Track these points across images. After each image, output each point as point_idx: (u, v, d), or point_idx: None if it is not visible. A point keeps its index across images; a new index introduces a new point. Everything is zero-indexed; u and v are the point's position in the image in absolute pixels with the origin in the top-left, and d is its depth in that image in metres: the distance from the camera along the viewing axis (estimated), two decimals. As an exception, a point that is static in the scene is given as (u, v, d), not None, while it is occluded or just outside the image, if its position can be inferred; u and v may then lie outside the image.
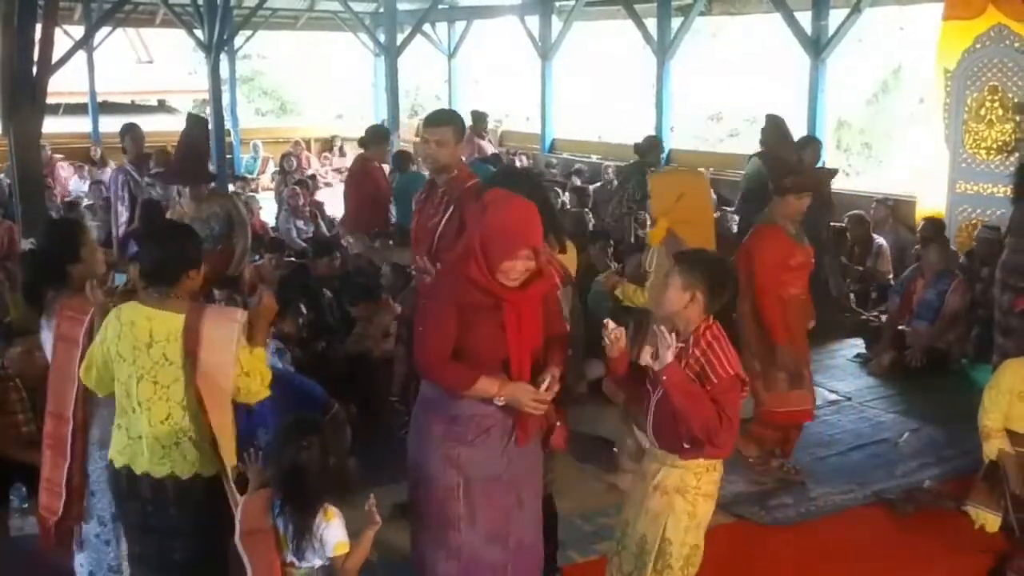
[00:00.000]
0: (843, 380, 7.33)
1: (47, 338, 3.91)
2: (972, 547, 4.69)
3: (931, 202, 9.61)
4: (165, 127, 16.36)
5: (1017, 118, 8.55)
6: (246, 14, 14.55)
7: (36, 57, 6.84)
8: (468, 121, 12.75)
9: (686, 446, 3.53)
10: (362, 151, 8.79)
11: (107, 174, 14.66)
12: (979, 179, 9.09)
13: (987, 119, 8.94)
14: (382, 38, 15.61)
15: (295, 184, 12.46)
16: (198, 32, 13.29)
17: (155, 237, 3.67)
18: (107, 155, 16.90)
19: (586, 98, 24.64)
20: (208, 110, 28.54)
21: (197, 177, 6.64)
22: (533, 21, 15.58)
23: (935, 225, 8.58)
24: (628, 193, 9.39)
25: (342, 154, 19.23)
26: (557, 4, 15.43)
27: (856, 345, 8.05)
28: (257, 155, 18.27)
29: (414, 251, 4.94)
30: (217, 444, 3.38)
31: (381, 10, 17.11)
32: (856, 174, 21.97)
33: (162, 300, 3.43)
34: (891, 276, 9.01)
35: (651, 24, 13.32)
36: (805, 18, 11.14)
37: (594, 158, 15.14)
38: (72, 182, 15.50)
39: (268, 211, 12.93)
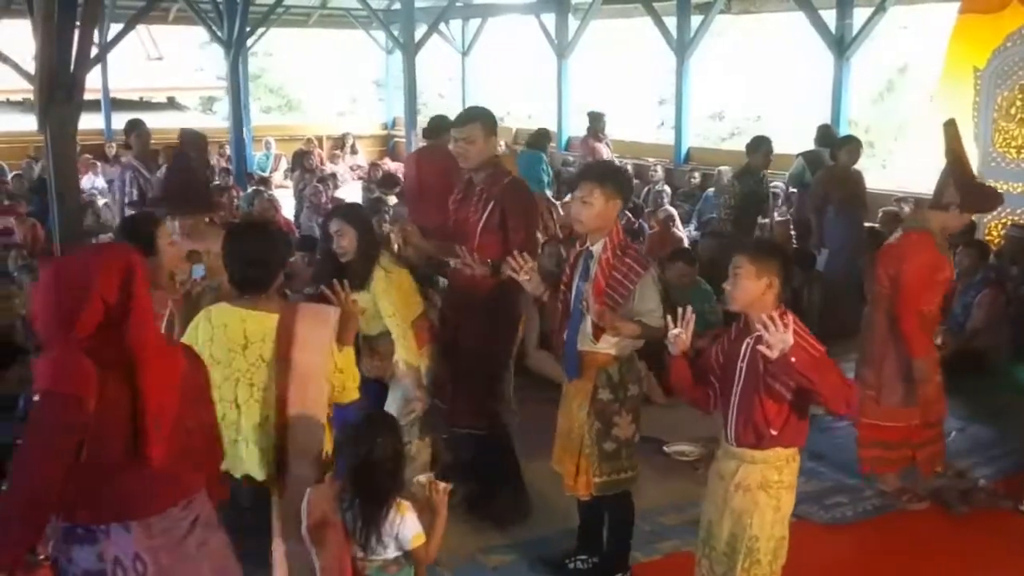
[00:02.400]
0: (880, 379, 7.29)
1: None
2: (1032, 547, 4.70)
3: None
4: (175, 124, 16.32)
5: (1049, 117, 8.53)
6: (264, 11, 14.49)
7: (74, 54, 6.77)
8: (585, 122, 12.69)
9: (773, 432, 3.51)
10: (426, 141, 8.68)
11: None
12: (1009, 178, 9.08)
13: (1018, 118, 8.93)
14: (398, 35, 15.57)
15: (317, 182, 12.38)
16: (217, 30, 13.21)
17: (243, 239, 3.57)
18: (122, 152, 16.83)
19: (595, 96, 24.69)
20: (217, 107, 29.08)
21: (192, 206, 5.32)
22: (549, 19, 15.55)
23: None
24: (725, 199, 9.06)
25: (354, 152, 19.18)
26: (573, 2, 15.41)
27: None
28: (270, 153, 18.22)
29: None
30: (284, 447, 3.37)
31: (395, 6, 17.11)
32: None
33: (254, 300, 3.42)
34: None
35: (669, 22, 13.34)
36: (823, 17, 11.15)
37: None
38: (85, 179, 15.42)
39: (286, 210, 12.91)
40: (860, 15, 11.07)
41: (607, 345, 4.06)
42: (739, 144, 24.10)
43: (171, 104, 25.06)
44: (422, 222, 5.36)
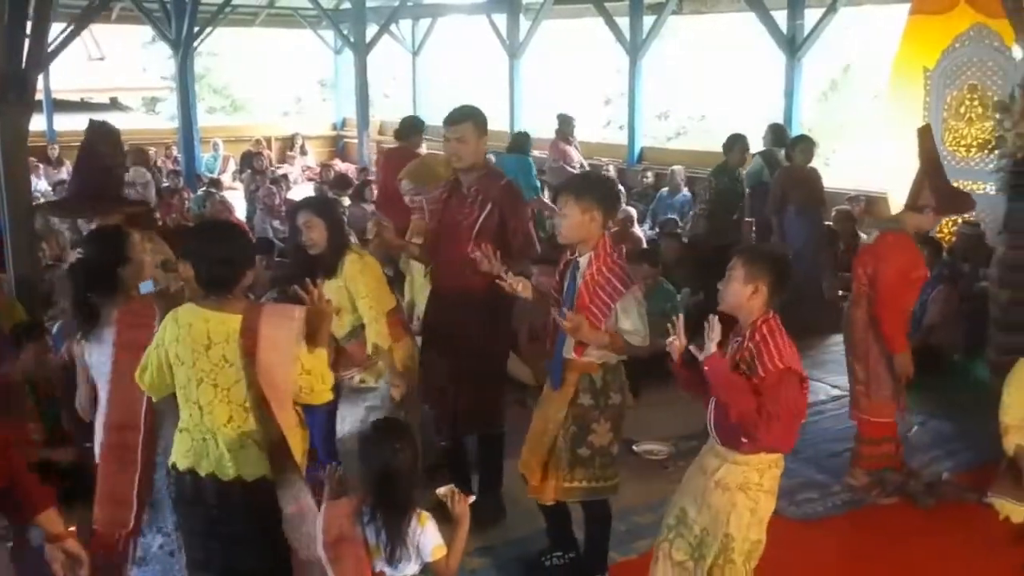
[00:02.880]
0: (842, 375, 7.33)
1: (96, 351, 3.80)
2: (1000, 538, 4.78)
3: (902, 198, 9.74)
4: (120, 126, 15.97)
5: (998, 116, 8.67)
6: (214, 10, 14.27)
7: (25, 54, 6.61)
8: (540, 122, 12.48)
9: (743, 440, 3.54)
10: (398, 142, 8.62)
11: (64, 174, 14.35)
12: (959, 176, 9.17)
13: (967, 117, 9.10)
14: (348, 34, 15.45)
15: (271, 183, 12.24)
16: (164, 29, 12.99)
17: (208, 238, 3.56)
18: (64, 154, 16.48)
19: (544, 96, 24.72)
20: (160, 108, 28.62)
21: (103, 209, 4.85)
22: (501, 19, 15.54)
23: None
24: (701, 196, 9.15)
25: (303, 152, 19.00)
26: (524, 2, 15.41)
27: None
28: (218, 154, 17.96)
29: (438, 251, 4.88)
30: (284, 445, 3.32)
31: (344, 6, 16.96)
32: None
33: (219, 301, 3.37)
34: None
35: (622, 23, 13.41)
36: (775, 18, 11.29)
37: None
38: (28, 182, 15.07)
39: (238, 211, 12.73)
40: (811, 16, 11.21)
41: (588, 356, 4.04)
42: (684, 144, 24.44)
43: (114, 105, 24.56)
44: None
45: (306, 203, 4.66)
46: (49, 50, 7.05)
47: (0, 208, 6.95)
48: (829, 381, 7.24)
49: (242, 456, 3.34)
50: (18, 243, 6.92)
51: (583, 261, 4.01)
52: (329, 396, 3.56)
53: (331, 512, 3.22)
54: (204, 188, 12.46)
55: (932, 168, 5.29)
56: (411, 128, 8.43)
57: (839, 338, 8.08)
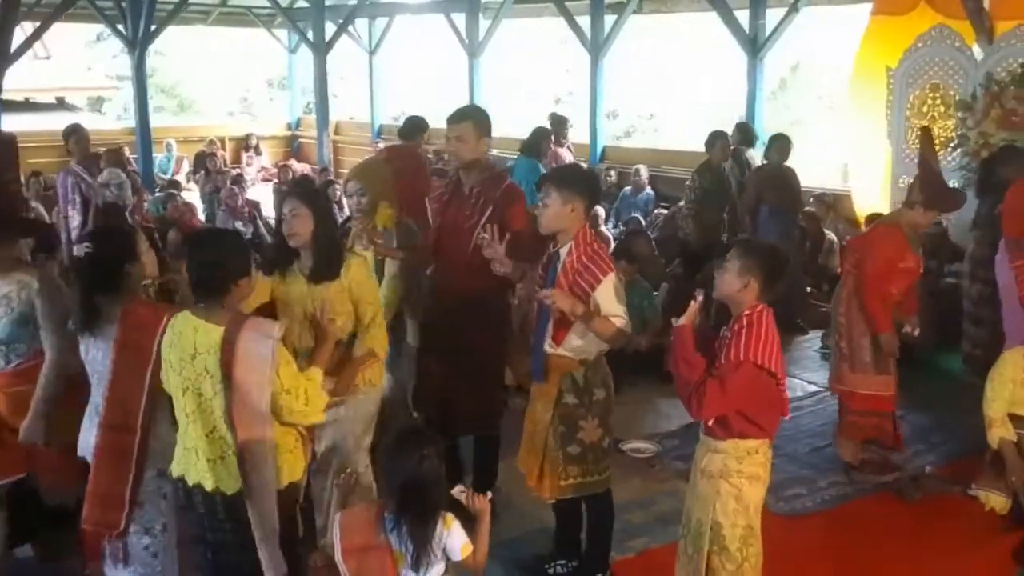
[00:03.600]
0: (816, 372, 7.48)
1: (95, 348, 3.71)
2: (986, 529, 4.85)
3: (863, 196, 9.90)
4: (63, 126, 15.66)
5: (960, 115, 8.84)
6: (170, 9, 14.02)
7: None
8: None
9: (709, 423, 3.65)
10: (401, 141, 8.47)
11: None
12: (922, 174, 9.38)
13: (929, 116, 9.22)
14: (308, 34, 15.27)
15: (231, 183, 12.05)
16: (121, 28, 12.75)
17: (200, 244, 3.53)
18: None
19: (498, 95, 24.71)
20: (106, 108, 28.09)
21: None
22: (460, 18, 15.47)
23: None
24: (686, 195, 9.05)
25: (258, 152, 18.78)
26: (483, 1, 15.35)
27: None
28: (171, 155, 17.66)
29: (437, 252, 4.84)
30: (243, 466, 3.29)
31: (299, 4, 16.78)
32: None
33: (208, 309, 3.33)
34: (840, 270, 9.24)
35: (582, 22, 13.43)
36: (734, 17, 11.37)
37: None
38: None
39: (196, 212, 12.52)
40: (772, 16, 11.32)
41: (567, 350, 4.04)
42: (634, 143, 24.56)
43: (61, 104, 24.04)
44: None
45: (293, 191, 4.45)
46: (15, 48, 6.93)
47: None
48: (804, 377, 7.33)
49: (221, 468, 3.34)
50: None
51: (563, 251, 4.03)
52: (319, 418, 3.48)
53: (349, 520, 3.19)
54: (165, 190, 12.24)
55: (925, 167, 5.53)
56: (414, 127, 8.37)
57: (816, 335, 8.29)
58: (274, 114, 23.65)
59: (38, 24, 10.58)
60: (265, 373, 3.24)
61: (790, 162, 8.72)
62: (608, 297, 3.93)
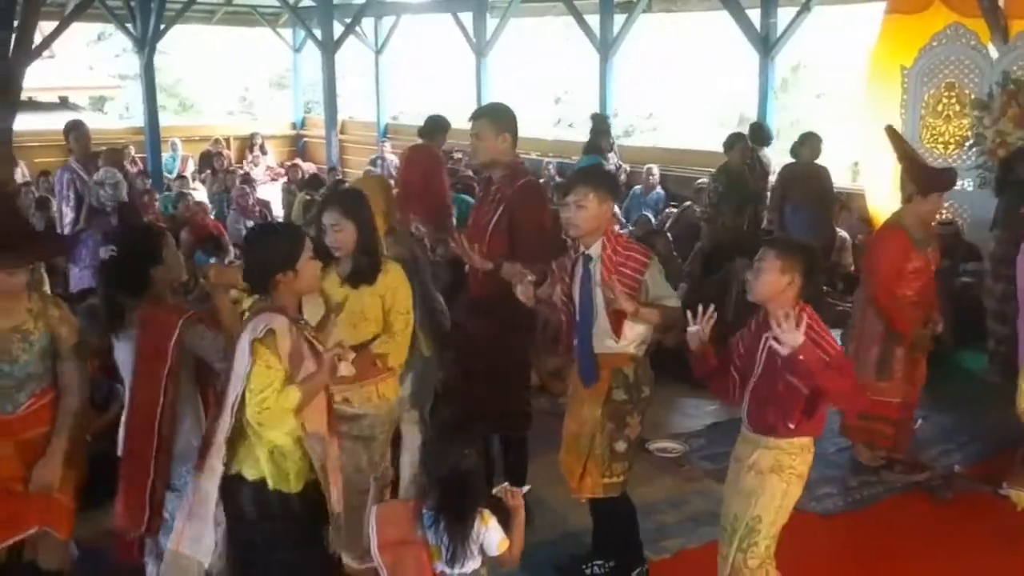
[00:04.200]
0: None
1: (124, 349, 3.70)
2: (1018, 529, 4.83)
3: (876, 195, 9.89)
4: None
5: (976, 113, 8.85)
6: (179, 8, 13.98)
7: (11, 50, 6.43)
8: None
9: (791, 425, 3.58)
10: (421, 141, 8.52)
11: (17, 173, 13.98)
12: (937, 173, 9.37)
13: (944, 115, 9.24)
14: (317, 33, 15.22)
15: (242, 183, 12.02)
16: (131, 27, 12.72)
17: (247, 241, 3.55)
18: (17, 154, 16.03)
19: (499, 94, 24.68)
20: (108, 107, 28.03)
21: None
22: (467, 17, 15.45)
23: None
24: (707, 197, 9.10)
25: (263, 151, 18.74)
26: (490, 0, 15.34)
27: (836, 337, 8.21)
28: (176, 154, 17.63)
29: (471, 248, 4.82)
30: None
31: (304, 3, 16.75)
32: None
33: (260, 304, 3.29)
34: (853, 268, 9.25)
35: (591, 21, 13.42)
36: (746, 16, 11.36)
37: (533, 155, 15.08)
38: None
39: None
40: (782, 15, 11.32)
41: (628, 342, 4.03)
42: (634, 141, 24.57)
43: (64, 104, 23.95)
44: (408, 218, 5.24)
45: (335, 202, 4.40)
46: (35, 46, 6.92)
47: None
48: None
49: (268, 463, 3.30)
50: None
51: (594, 250, 4.02)
52: (273, 434, 3.25)
53: (386, 515, 3.19)
54: (176, 189, 12.22)
55: (905, 159, 5.56)
56: (435, 127, 8.37)
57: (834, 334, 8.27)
58: (276, 113, 23.59)
59: (56, 24, 10.63)
60: (243, 366, 3.17)
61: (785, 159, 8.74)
62: (657, 279, 3.98)
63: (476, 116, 4.70)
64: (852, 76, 20.90)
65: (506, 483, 3.26)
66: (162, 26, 12.94)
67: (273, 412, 3.16)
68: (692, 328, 3.64)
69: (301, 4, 17.82)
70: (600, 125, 11.44)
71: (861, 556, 4.80)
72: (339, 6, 16.26)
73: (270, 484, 3.27)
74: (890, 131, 5.99)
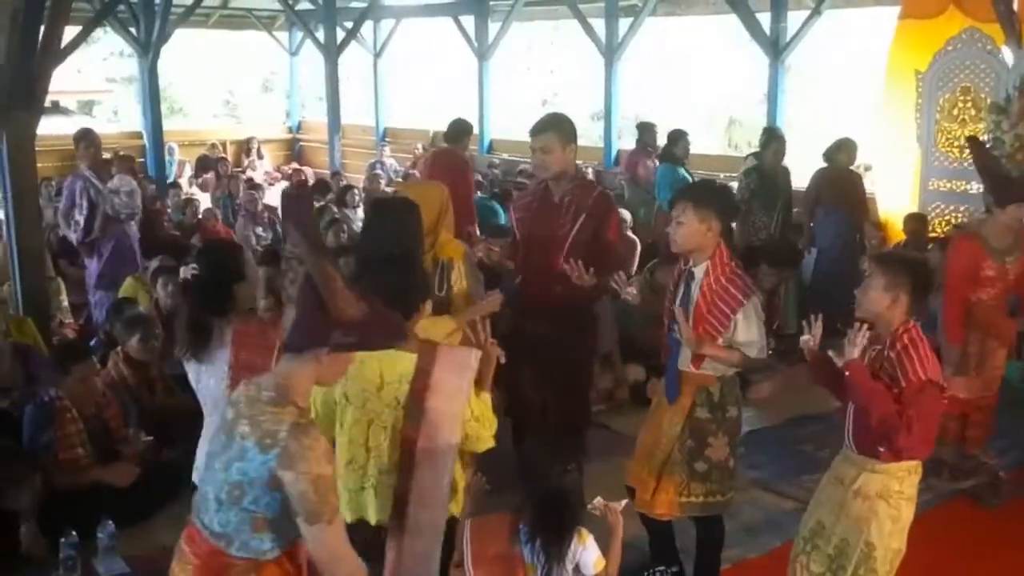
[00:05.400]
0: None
1: (206, 372, 3.61)
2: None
3: (889, 199, 9.91)
4: (62, 130, 15.54)
5: (993, 117, 8.85)
6: (180, 12, 13.85)
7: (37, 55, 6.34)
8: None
9: (881, 449, 3.51)
10: (445, 145, 8.48)
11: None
12: (952, 176, 9.40)
13: (960, 119, 9.26)
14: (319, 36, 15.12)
15: (250, 188, 11.92)
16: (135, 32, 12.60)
17: (385, 267, 3.27)
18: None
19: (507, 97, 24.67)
20: (97, 111, 27.78)
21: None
22: (468, 20, 15.38)
23: (920, 224, 8.83)
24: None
25: (260, 156, 18.61)
26: (492, 3, 15.27)
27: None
28: (173, 159, 17.45)
29: (526, 261, 4.77)
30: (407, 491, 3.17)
31: (301, 7, 16.63)
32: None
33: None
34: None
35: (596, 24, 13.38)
36: (756, 20, 11.34)
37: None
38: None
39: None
40: (793, 18, 11.33)
41: (706, 369, 3.98)
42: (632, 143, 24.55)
43: (56, 108, 23.70)
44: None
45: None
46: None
47: (6, 211, 6.69)
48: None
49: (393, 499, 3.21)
50: (26, 252, 6.67)
51: (699, 271, 3.94)
52: (492, 443, 3.33)
53: (481, 530, 3.12)
54: (184, 195, 12.11)
55: (984, 172, 5.61)
56: (460, 131, 8.32)
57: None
58: (262, 116, 23.43)
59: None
60: (461, 403, 3.13)
61: (791, 163, 8.71)
62: (748, 323, 3.86)
63: (541, 130, 4.63)
64: (856, 81, 21.11)
65: (599, 497, 3.21)
66: (166, 30, 12.79)
67: (492, 423, 3.28)
68: (804, 337, 3.59)
69: (298, 7, 17.73)
70: (644, 134, 11.21)
71: (911, 564, 4.76)
72: (340, 9, 16.18)
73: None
74: (972, 142, 6.00)
